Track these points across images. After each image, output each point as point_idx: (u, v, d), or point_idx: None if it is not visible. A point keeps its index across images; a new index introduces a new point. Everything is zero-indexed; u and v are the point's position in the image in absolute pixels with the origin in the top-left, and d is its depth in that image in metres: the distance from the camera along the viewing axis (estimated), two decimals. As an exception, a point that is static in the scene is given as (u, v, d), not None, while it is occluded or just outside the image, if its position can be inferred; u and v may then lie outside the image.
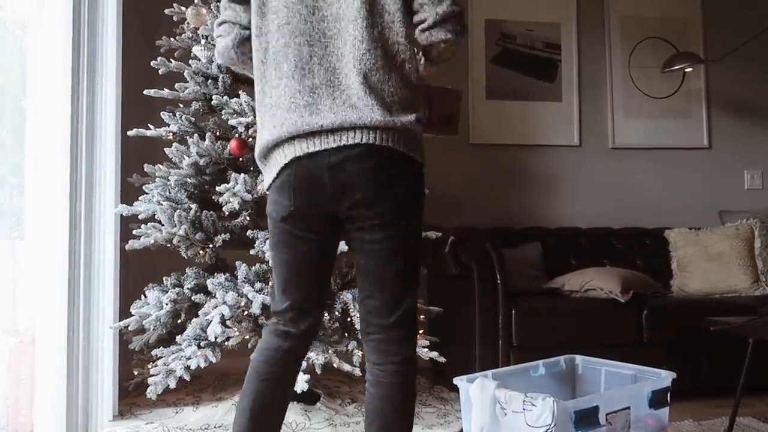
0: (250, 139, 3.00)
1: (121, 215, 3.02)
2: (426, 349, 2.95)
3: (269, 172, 1.76)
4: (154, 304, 2.93)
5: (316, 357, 2.76)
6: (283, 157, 1.69)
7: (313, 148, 1.66)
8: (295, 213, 1.73)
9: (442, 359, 2.96)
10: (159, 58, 3.12)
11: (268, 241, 1.89)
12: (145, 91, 3.13)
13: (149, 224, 2.94)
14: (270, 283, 2.93)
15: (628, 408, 2.35)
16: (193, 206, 2.95)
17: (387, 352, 1.80)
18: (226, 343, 2.89)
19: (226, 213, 2.98)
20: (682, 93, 4.63)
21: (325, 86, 1.67)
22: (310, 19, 1.69)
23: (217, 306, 2.81)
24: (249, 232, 2.94)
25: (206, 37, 3.10)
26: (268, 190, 1.79)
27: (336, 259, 1.96)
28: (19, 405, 2.69)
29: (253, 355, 1.82)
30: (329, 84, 1.67)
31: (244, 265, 2.95)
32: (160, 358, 2.89)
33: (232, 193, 2.89)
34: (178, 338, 2.91)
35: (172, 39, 3.25)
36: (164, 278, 3.07)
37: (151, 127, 3.12)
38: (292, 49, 1.69)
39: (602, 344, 3.22)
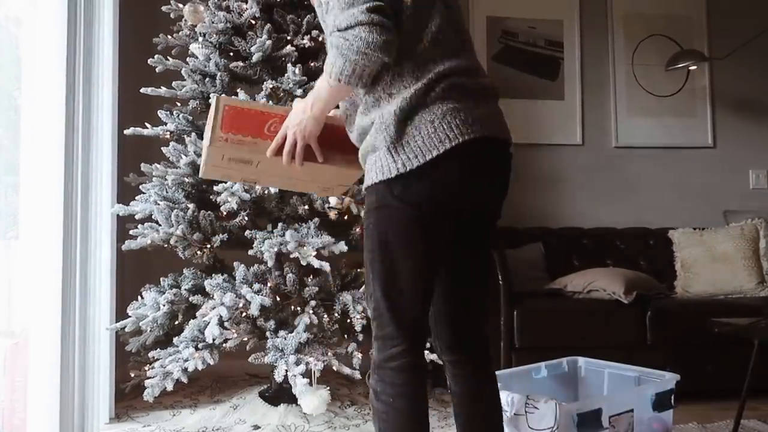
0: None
1: (118, 215, 3.01)
2: (427, 351, 2.92)
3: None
4: (151, 305, 2.92)
5: (315, 362, 2.73)
6: None
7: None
8: None
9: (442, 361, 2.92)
10: (156, 56, 3.11)
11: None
12: (142, 90, 3.12)
13: (146, 224, 2.93)
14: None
15: (632, 411, 2.36)
16: (191, 206, 2.94)
17: None
18: (224, 344, 2.87)
19: (224, 213, 2.97)
20: (686, 91, 4.59)
21: None
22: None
23: (215, 307, 2.80)
24: (247, 232, 2.93)
25: (204, 35, 3.07)
26: None
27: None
28: (14, 407, 2.67)
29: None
30: None
31: (243, 265, 2.94)
32: (157, 360, 2.88)
33: (230, 192, 2.88)
34: (175, 340, 2.90)
35: (169, 37, 3.22)
36: (161, 279, 3.06)
37: (148, 125, 3.11)
38: None
39: (605, 346, 3.20)
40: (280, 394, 3.10)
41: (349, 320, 2.90)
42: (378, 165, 1.58)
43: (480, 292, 1.81)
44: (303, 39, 3.05)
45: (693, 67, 4.44)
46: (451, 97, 1.59)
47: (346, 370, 2.84)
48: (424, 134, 1.55)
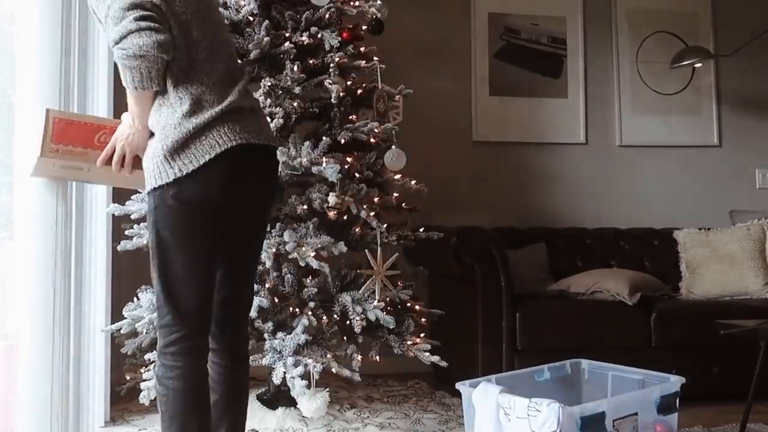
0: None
1: (113, 215, 2.99)
2: (427, 353, 2.91)
3: None
4: (147, 306, 2.88)
5: (314, 364, 2.69)
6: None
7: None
8: None
9: (443, 363, 2.91)
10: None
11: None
12: (138, 87, 3.06)
13: (142, 224, 2.89)
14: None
15: (636, 414, 2.33)
16: (187, 206, 2.88)
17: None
18: (221, 346, 2.82)
19: (221, 212, 2.92)
20: (691, 89, 4.57)
21: None
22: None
23: (211, 308, 2.75)
24: (245, 232, 2.88)
25: (201, 32, 3.03)
26: None
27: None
28: (8, 411, 2.65)
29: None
30: None
31: (240, 266, 2.88)
32: (153, 362, 2.82)
33: (228, 192, 2.82)
34: (171, 341, 2.84)
35: (166, 34, 3.18)
36: (157, 280, 3.00)
37: (145, 123, 3.06)
38: None
39: (609, 348, 3.18)
40: (278, 397, 3.07)
41: (348, 322, 2.87)
42: (156, 171, 1.78)
43: (248, 286, 2.08)
44: (302, 36, 3.01)
45: (698, 65, 4.42)
46: (222, 108, 1.82)
47: (346, 373, 2.82)
48: (197, 141, 1.76)
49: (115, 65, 2.98)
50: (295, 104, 2.98)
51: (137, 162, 1.91)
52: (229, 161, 1.79)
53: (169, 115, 1.78)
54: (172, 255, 1.79)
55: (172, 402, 1.79)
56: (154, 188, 1.78)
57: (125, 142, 1.88)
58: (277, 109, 2.90)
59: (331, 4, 3.04)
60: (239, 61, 1.99)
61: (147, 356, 2.87)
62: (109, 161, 1.92)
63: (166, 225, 1.79)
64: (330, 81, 2.97)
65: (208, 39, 1.88)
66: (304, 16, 3.03)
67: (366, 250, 2.91)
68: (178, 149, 1.75)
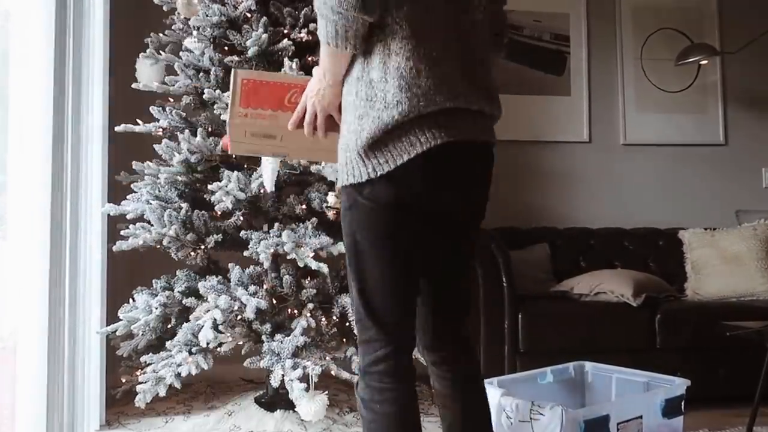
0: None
1: (109, 215, 2.98)
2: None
3: None
4: (143, 308, 2.90)
5: (312, 366, 2.68)
6: None
7: None
8: None
9: (444, 366, 2.87)
10: (148, 50, 3.07)
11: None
12: (134, 85, 3.09)
13: (138, 224, 2.90)
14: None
15: (641, 417, 2.34)
16: (184, 205, 2.89)
17: None
18: (218, 349, 2.83)
19: (219, 212, 2.93)
20: (696, 87, 4.53)
21: None
22: None
23: (209, 310, 2.76)
24: (242, 233, 2.89)
25: (198, 28, 3.01)
26: None
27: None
28: (1, 414, 2.64)
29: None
30: None
31: (238, 267, 2.90)
32: (150, 364, 2.86)
33: (225, 191, 2.83)
34: (168, 344, 2.86)
35: (161, 35, 3.18)
36: (153, 281, 3.02)
37: (140, 122, 3.07)
38: None
39: (613, 350, 3.18)
40: (276, 400, 3.06)
41: (347, 323, 2.89)
42: (349, 167, 1.56)
43: (458, 291, 1.79)
44: (300, 32, 3.00)
45: (704, 62, 4.37)
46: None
47: (345, 375, 2.83)
48: (395, 138, 1.52)
49: (112, 63, 3.04)
50: (294, 102, 2.96)
51: (332, 124, 1.68)
52: (432, 161, 1.54)
53: (365, 99, 1.54)
54: (371, 263, 1.59)
55: (383, 430, 1.57)
56: (346, 185, 1.59)
57: (316, 98, 1.64)
58: (275, 107, 2.88)
59: (330, 1, 3.02)
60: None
61: (143, 358, 2.89)
62: (300, 123, 1.68)
63: (361, 227, 1.59)
64: (329, 79, 2.94)
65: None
66: (302, 12, 3.02)
67: (366, 251, 2.89)
68: (372, 146, 1.53)
